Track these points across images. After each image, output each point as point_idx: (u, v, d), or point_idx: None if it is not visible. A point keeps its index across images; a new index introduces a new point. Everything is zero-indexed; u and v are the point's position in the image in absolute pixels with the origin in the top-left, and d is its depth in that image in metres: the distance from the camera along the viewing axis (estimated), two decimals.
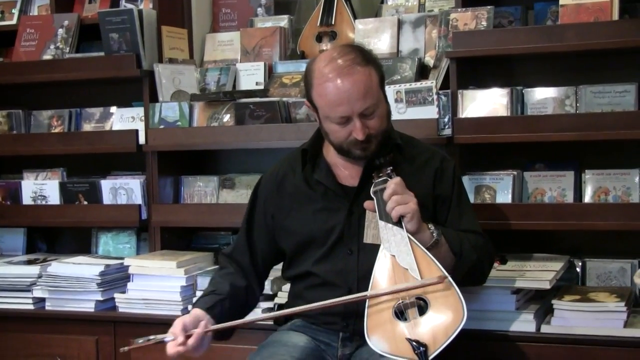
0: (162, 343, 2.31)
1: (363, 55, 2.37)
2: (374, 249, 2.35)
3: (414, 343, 2.08)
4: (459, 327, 2.12)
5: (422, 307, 2.17)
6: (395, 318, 2.17)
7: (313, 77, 2.38)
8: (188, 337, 2.29)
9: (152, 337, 2.32)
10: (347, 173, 2.50)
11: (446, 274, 2.19)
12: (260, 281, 2.62)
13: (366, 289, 2.27)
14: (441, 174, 2.51)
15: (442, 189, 2.50)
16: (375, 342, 2.15)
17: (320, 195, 2.50)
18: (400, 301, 2.18)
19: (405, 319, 2.15)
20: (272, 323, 2.67)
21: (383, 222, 2.30)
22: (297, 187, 2.53)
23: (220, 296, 2.46)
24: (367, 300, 2.23)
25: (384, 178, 2.36)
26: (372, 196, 2.35)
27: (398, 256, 2.24)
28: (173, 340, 2.29)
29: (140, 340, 2.31)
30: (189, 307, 3.08)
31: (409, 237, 2.27)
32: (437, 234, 2.33)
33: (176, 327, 2.31)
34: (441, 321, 2.13)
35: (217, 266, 3.30)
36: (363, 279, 2.37)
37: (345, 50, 2.38)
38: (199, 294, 3.08)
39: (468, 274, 2.38)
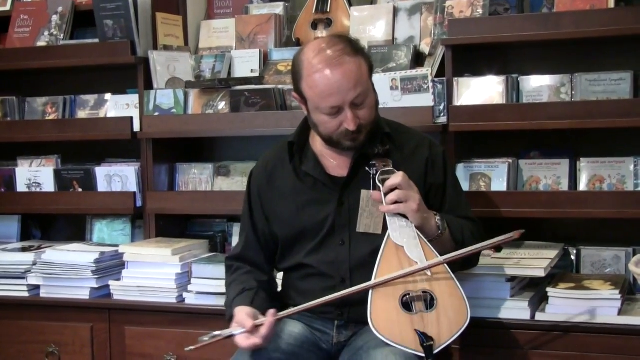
0: (230, 337, 2.24)
1: (352, 46, 2.37)
2: (366, 238, 2.37)
3: (423, 336, 2.09)
4: (463, 328, 2.17)
5: (428, 301, 2.19)
6: (402, 309, 2.18)
7: (302, 68, 2.37)
8: (256, 328, 2.23)
9: (218, 332, 2.25)
10: (335, 163, 2.49)
11: (442, 259, 2.22)
12: (274, 272, 2.62)
13: (359, 279, 2.30)
14: (432, 163, 2.51)
15: (434, 178, 2.50)
16: (380, 329, 2.16)
17: (310, 187, 2.50)
18: (408, 293, 2.20)
19: (412, 311, 2.17)
20: None
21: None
22: (286, 180, 2.53)
23: (253, 290, 2.43)
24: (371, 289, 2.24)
25: (390, 168, 2.35)
26: (378, 184, 2.35)
27: (407, 247, 2.26)
28: (243, 333, 2.22)
29: (206, 338, 2.24)
30: (184, 294, 3.11)
31: (415, 230, 2.28)
32: (443, 226, 2.36)
33: (242, 319, 2.25)
34: (446, 319, 2.17)
35: (212, 254, 3.33)
36: (355, 269, 2.38)
37: (334, 41, 2.37)
38: (194, 281, 3.10)
39: (466, 260, 2.39)
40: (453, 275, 2.25)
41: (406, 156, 2.49)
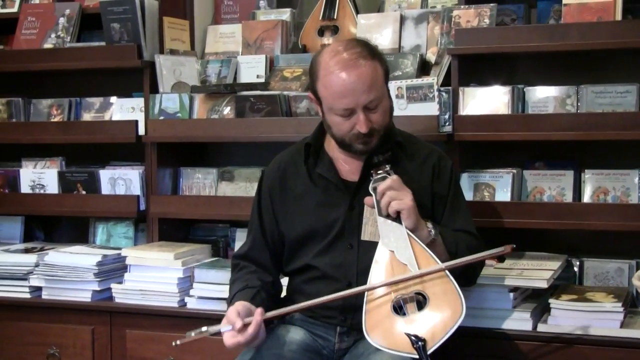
0: (217, 334, 2.22)
1: (369, 50, 2.40)
2: (374, 243, 2.36)
3: (413, 337, 2.08)
4: (458, 323, 2.12)
5: (421, 302, 2.18)
6: (393, 313, 2.17)
7: (319, 69, 2.40)
8: (244, 327, 2.22)
9: (205, 328, 2.21)
10: (349, 168, 2.51)
11: (443, 266, 2.20)
12: (279, 275, 2.61)
13: (366, 283, 2.28)
14: (439, 172, 2.52)
15: (439, 188, 2.51)
16: (374, 337, 2.15)
17: (322, 189, 2.51)
18: (399, 296, 2.19)
19: (404, 314, 2.16)
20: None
21: (382, 217, 2.31)
22: (299, 181, 2.54)
23: (255, 288, 2.42)
24: (366, 294, 2.23)
25: (383, 175, 2.37)
26: (371, 192, 2.36)
27: (397, 251, 2.25)
28: (230, 330, 2.21)
29: (193, 333, 2.21)
30: (185, 298, 3.11)
31: (407, 233, 2.27)
32: (435, 232, 2.35)
33: (232, 316, 2.24)
34: (440, 316, 2.14)
35: (214, 259, 3.33)
36: (363, 273, 2.37)
37: (352, 44, 2.41)
38: (196, 285, 3.10)
39: (461, 275, 2.37)
40: (448, 272, 2.22)
41: (416, 165, 2.51)
